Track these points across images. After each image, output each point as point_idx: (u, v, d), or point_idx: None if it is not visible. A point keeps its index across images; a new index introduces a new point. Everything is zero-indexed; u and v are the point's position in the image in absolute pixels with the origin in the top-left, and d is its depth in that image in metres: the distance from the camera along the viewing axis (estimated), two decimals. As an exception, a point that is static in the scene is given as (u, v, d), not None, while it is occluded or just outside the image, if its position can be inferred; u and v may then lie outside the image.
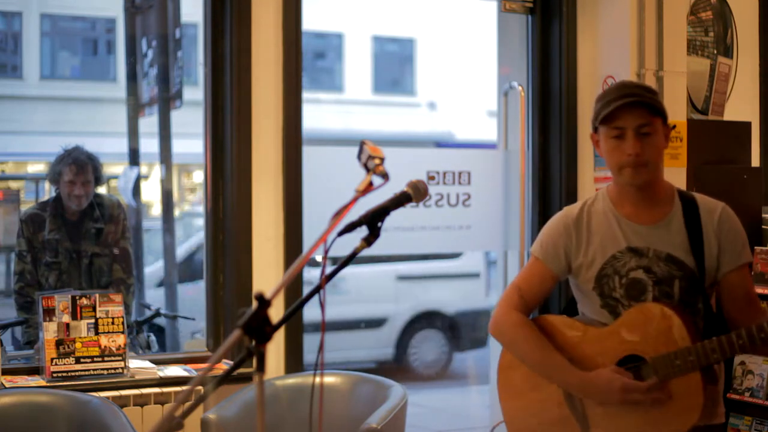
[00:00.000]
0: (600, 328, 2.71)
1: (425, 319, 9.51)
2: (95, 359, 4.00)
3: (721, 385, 2.79)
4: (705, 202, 2.71)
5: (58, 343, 3.96)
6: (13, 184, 12.02)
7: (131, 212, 7.38)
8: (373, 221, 2.24)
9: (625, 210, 2.71)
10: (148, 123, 7.36)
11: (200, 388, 3.57)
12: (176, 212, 9.85)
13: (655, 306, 2.63)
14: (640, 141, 2.61)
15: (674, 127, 4.80)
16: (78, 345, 3.98)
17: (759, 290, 4.73)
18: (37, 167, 13.70)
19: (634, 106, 2.61)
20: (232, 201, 4.31)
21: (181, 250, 8.64)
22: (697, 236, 2.64)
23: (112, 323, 4.06)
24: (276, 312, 1.94)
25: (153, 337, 5.32)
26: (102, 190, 4.98)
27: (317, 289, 2.14)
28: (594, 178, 4.95)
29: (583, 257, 2.72)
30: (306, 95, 4.52)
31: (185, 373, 4.12)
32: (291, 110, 4.39)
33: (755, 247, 4.79)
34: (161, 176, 7.57)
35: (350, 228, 2.18)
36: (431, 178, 4.85)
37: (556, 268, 2.77)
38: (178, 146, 7.40)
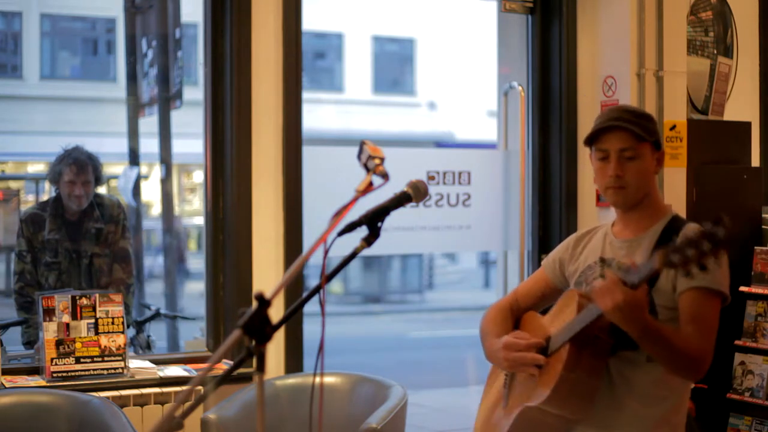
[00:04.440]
0: (551, 315, 2.80)
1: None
2: (95, 359, 4.00)
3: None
4: (689, 226, 2.63)
5: (58, 343, 3.96)
6: (13, 184, 12.02)
7: (131, 212, 7.37)
8: (373, 221, 2.23)
9: (615, 228, 2.80)
10: (148, 123, 7.36)
11: (200, 388, 3.57)
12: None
13: (572, 292, 2.72)
14: (623, 164, 2.70)
15: (674, 128, 4.80)
16: (78, 345, 3.98)
17: (759, 290, 4.71)
18: (37, 167, 13.70)
19: (616, 130, 2.68)
20: (232, 201, 4.31)
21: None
22: None
23: (112, 323, 4.05)
24: (276, 312, 1.93)
25: (153, 337, 5.32)
26: (102, 190, 4.97)
27: (317, 289, 2.14)
28: (594, 178, 4.94)
29: (572, 268, 2.85)
30: (306, 95, 4.52)
31: (185, 373, 4.12)
32: (291, 110, 4.39)
33: (755, 247, 4.78)
34: (161, 176, 7.57)
35: (350, 228, 2.19)
36: (431, 178, 4.85)
37: (551, 274, 2.91)
38: (178, 146, 7.40)
